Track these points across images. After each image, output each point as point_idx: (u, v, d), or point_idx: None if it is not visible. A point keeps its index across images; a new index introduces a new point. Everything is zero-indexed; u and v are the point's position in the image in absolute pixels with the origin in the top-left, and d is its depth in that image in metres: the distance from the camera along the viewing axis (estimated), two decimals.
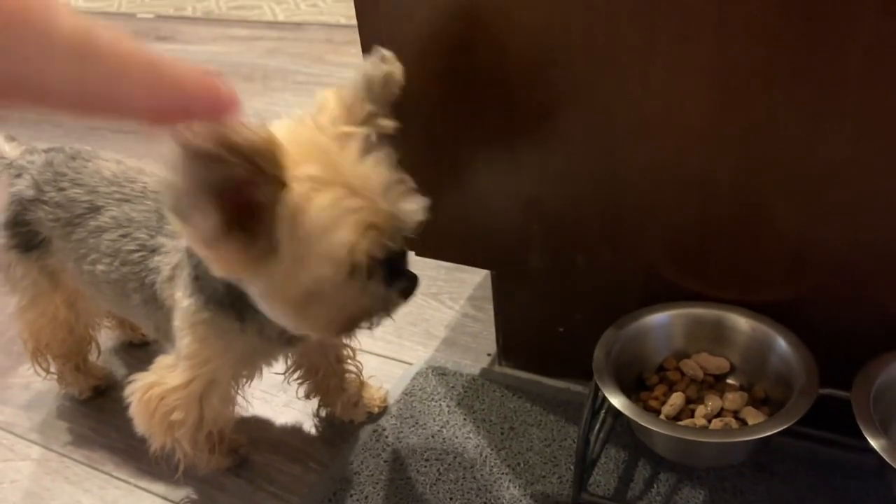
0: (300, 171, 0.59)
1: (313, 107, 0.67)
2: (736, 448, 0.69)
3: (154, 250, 0.78)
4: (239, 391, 0.84)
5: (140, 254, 0.79)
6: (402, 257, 0.67)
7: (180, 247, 0.75)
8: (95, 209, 0.83)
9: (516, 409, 0.96)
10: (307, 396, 0.96)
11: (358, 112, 0.66)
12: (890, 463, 0.63)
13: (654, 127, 0.75)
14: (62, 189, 0.85)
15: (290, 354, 0.91)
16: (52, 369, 1.02)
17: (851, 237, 0.73)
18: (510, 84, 0.79)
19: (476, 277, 1.21)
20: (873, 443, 0.65)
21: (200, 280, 0.72)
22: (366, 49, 0.83)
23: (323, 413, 0.99)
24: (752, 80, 0.68)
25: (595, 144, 0.79)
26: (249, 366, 0.82)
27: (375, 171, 0.62)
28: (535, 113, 0.80)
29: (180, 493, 0.91)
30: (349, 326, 0.68)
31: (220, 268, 0.61)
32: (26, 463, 0.98)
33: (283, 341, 0.78)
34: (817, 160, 0.70)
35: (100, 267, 0.82)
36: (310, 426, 0.98)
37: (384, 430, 0.95)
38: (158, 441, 0.80)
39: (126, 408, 1.03)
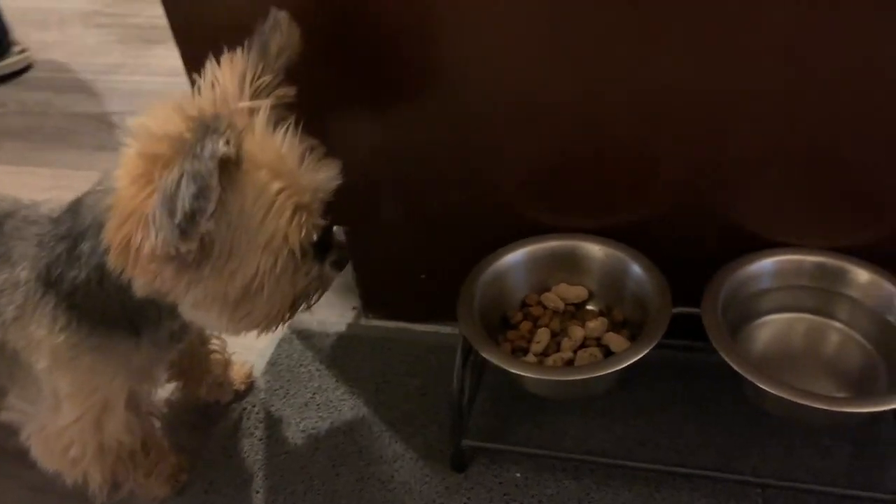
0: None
1: (204, 81, 0.61)
2: (602, 380, 0.71)
3: None
4: (145, 406, 0.77)
5: None
6: (328, 229, 0.64)
7: (21, 281, 0.65)
8: None
9: (388, 361, 0.95)
10: (167, 381, 0.90)
11: (256, 83, 0.61)
12: (739, 371, 0.67)
13: (494, 58, 0.72)
14: None
15: None
16: None
17: (689, 155, 0.75)
18: (344, 25, 0.74)
19: None
20: (723, 354, 0.69)
21: (80, 308, 0.64)
22: None
23: (179, 399, 0.93)
24: (581, 17, 0.67)
25: (436, 83, 0.76)
26: (147, 379, 0.75)
27: (288, 145, 0.59)
28: (370, 55, 0.75)
29: None
30: (289, 312, 0.64)
31: (148, 283, 0.58)
32: None
33: (175, 341, 0.73)
34: (651, 82, 0.70)
35: None
36: (173, 415, 0.92)
37: (254, 406, 0.91)
38: (69, 478, 0.74)
39: None
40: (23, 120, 1.54)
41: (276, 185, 0.57)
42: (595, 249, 0.81)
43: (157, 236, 0.52)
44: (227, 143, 0.50)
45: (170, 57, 1.71)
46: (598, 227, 0.82)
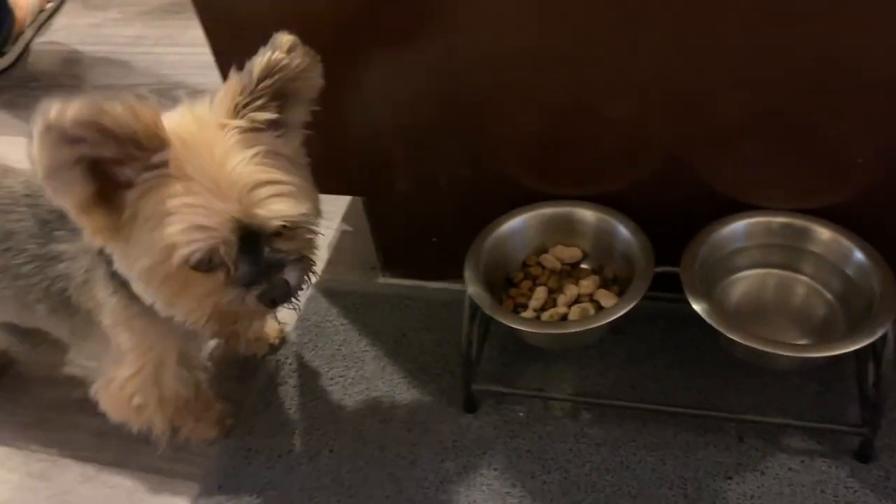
0: (159, 157, 0.60)
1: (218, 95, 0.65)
2: (591, 332, 0.81)
3: (53, 258, 0.77)
4: (194, 362, 0.86)
5: (34, 265, 0.77)
6: (272, 261, 0.64)
7: (87, 249, 0.74)
8: None
9: (405, 317, 1.05)
10: (210, 339, 1.01)
11: (235, 100, 0.64)
12: (711, 324, 0.77)
13: (491, 54, 0.80)
14: None
15: None
16: None
17: (670, 130, 0.82)
18: (359, 24, 0.82)
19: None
20: (698, 308, 0.78)
21: (119, 277, 0.71)
22: None
23: (222, 354, 1.04)
24: (570, 6, 0.74)
25: (441, 73, 0.84)
26: (193, 339, 0.84)
27: (240, 168, 0.61)
28: (382, 49, 0.83)
29: (105, 454, 0.96)
30: (216, 324, 0.67)
31: (89, 234, 0.64)
32: None
33: None
34: (636, 70, 0.78)
35: None
36: (216, 368, 1.03)
37: (287, 358, 1.02)
38: (135, 426, 0.85)
39: (30, 382, 1.06)
40: (59, 94, 1.63)
41: (187, 199, 0.59)
42: (588, 214, 0.90)
43: None
44: (51, 113, 0.54)
45: (190, 27, 1.79)
46: (591, 194, 0.90)
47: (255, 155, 0.62)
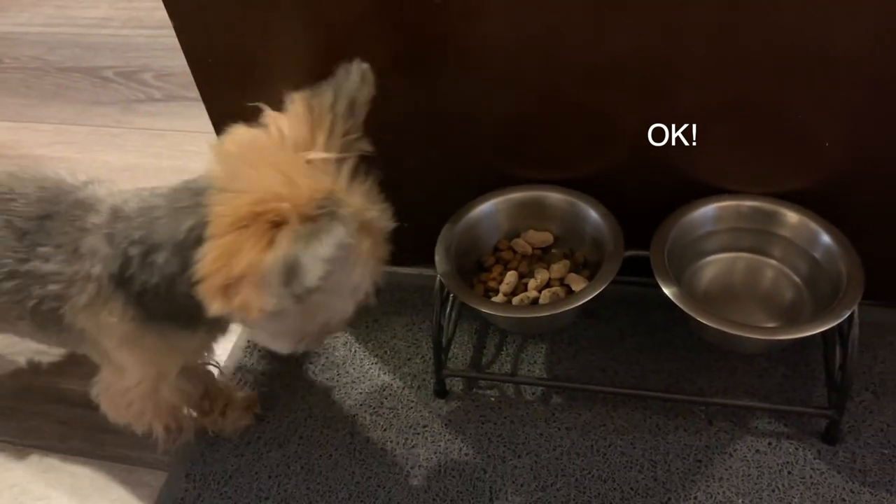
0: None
1: (284, 116, 0.63)
2: (562, 316, 0.81)
3: (42, 276, 0.71)
4: (200, 372, 0.86)
5: (14, 282, 0.72)
6: None
7: (92, 274, 0.69)
8: None
9: (377, 302, 1.04)
10: None
11: (346, 137, 0.65)
12: (680, 307, 0.77)
13: (460, 34, 0.79)
14: None
15: None
16: None
17: (639, 115, 0.82)
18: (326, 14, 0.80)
19: None
20: (667, 292, 0.78)
21: (146, 306, 0.69)
22: None
23: None
24: None
25: (413, 60, 0.83)
26: (200, 354, 0.84)
27: (366, 197, 0.64)
28: (352, 36, 0.82)
29: (70, 443, 0.94)
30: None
31: (228, 312, 0.59)
32: None
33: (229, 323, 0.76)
34: (604, 53, 0.77)
35: None
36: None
37: (256, 344, 1.01)
38: (138, 429, 0.82)
39: None
40: (20, 76, 1.60)
41: (366, 243, 0.62)
42: (558, 199, 0.90)
43: (269, 299, 0.55)
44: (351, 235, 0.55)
45: (157, 9, 1.75)
46: (562, 179, 0.90)
47: (364, 181, 0.64)
